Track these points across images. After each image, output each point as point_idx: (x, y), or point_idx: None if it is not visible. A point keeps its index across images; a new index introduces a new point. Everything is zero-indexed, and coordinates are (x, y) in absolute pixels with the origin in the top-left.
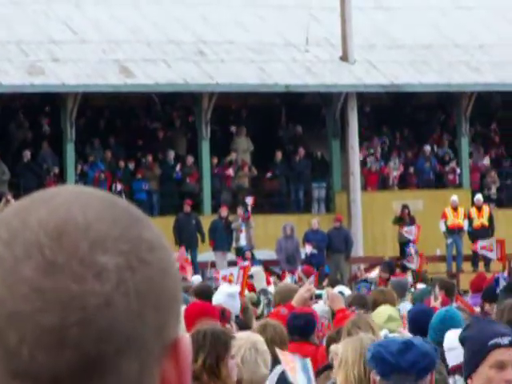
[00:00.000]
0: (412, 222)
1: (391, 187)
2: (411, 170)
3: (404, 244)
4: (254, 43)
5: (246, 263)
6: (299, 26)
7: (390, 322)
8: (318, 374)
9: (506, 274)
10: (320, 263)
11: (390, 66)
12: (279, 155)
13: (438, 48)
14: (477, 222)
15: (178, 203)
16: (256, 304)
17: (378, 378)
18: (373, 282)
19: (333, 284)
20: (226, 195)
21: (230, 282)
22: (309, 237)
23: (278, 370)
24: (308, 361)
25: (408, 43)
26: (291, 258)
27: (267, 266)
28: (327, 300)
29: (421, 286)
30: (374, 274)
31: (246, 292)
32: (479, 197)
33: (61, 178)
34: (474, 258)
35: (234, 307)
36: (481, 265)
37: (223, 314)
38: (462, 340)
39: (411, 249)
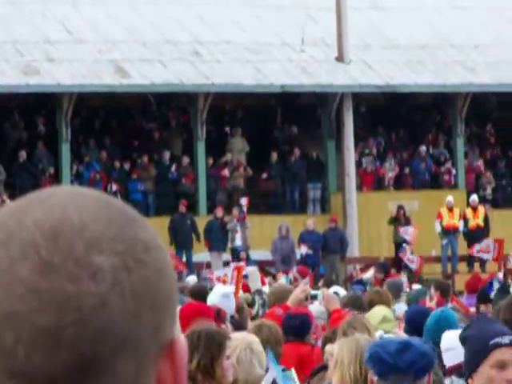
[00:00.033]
0: (407, 222)
1: (387, 188)
2: (407, 170)
3: (399, 244)
4: (249, 43)
5: (241, 263)
6: (295, 26)
7: (384, 323)
8: (313, 374)
9: (500, 275)
10: (315, 264)
11: (386, 66)
12: (275, 156)
13: (433, 48)
14: (472, 223)
15: (173, 204)
16: (251, 304)
17: (375, 378)
18: (368, 282)
19: (328, 284)
20: (222, 196)
21: (224, 282)
22: (304, 237)
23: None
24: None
25: (403, 43)
26: (286, 258)
27: (262, 266)
28: (323, 300)
29: (416, 286)
30: (368, 274)
31: (241, 292)
32: (475, 197)
33: (56, 179)
34: (470, 259)
35: (229, 307)
36: (476, 265)
37: (218, 315)
38: (463, 340)
39: (406, 250)
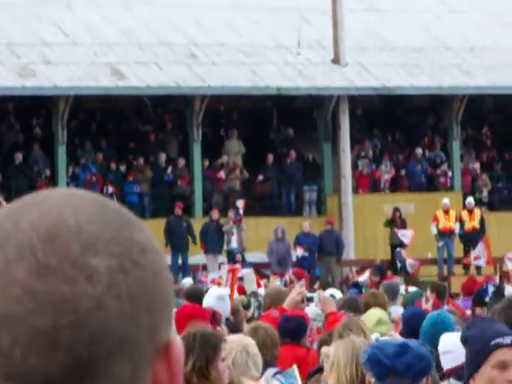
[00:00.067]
0: (403, 224)
1: (383, 190)
2: (403, 172)
3: (395, 247)
4: (245, 46)
5: (235, 265)
6: (291, 29)
7: (379, 326)
8: (309, 376)
9: (495, 278)
10: (311, 266)
11: (382, 68)
12: (271, 158)
13: (429, 51)
14: (468, 225)
15: (169, 206)
16: (246, 307)
17: (373, 380)
18: (363, 285)
19: (324, 287)
20: (218, 198)
21: (219, 284)
22: (300, 239)
23: (269, 372)
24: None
25: (400, 46)
26: (282, 260)
27: (258, 268)
28: (319, 303)
29: (412, 288)
30: (363, 277)
31: (237, 295)
32: (471, 200)
33: (52, 181)
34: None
35: (224, 309)
36: (472, 268)
37: (214, 317)
38: (464, 340)
39: (402, 253)
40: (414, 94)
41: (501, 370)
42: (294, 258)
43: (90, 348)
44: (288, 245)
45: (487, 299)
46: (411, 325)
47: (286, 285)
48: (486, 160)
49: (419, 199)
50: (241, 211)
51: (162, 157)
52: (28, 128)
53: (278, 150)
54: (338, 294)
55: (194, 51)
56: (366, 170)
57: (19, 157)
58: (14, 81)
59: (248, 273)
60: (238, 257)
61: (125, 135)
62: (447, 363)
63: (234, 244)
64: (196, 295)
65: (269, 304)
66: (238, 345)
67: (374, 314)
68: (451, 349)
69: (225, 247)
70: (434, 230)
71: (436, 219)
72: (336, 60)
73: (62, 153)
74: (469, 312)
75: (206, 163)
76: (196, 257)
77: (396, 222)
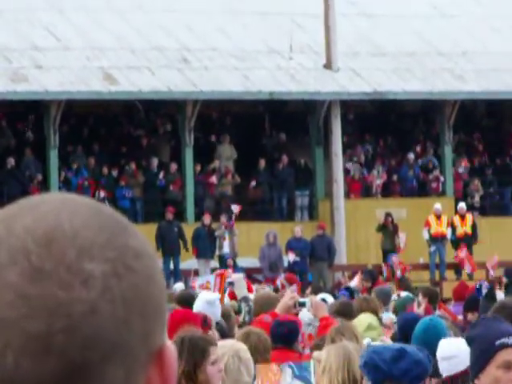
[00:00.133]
0: (395, 230)
1: (374, 195)
2: (394, 177)
3: (387, 252)
4: (237, 50)
5: (227, 270)
6: (283, 34)
7: (369, 331)
8: None
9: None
10: (303, 271)
11: (374, 73)
12: (262, 163)
13: (421, 55)
14: (460, 231)
15: (161, 210)
16: (237, 312)
17: None
18: (355, 290)
19: (316, 292)
20: (210, 203)
21: (207, 289)
22: (292, 244)
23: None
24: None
25: (391, 51)
26: (274, 265)
27: (250, 273)
28: (311, 308)
29: (404, 293)
30: (354, 282)
31: (228, 300)
32: (462, 205)
33: (44, 185)
34: (458, 266)
35: (214, 314)
36: (464, 273)
37: (205, 321)
38: (469, 340)
39: (393, 260)
40: (406, 98)
41: (506, 370)
42: (285, 263)
43: (84, 353)
44: (280, 250)
45: (480, 301)
46: (406, 330)
47: (277, 290)
48: (477, 165)
49: (411, 204)
50: (234, 217)
51: (154, 161)
52: (20, 133)
53: (270, 154)
54: (330, 299)
55: (186, 56)
56: (358, 174)
57: (11, 161)
58: (6, 85)
59: (238, 278)
60: (230, 262)
61: (117, 140)
62: (446, 369)
63: (226, 249)
64: (187, 300)
65: (259, 309)
66: (230, 350)
67: (364, 319)
68: (451, 354)
69: (217, 252)
70: (426, 235)
71: (428, 224)
72: (328, 65)
73: (53, 157)
74: (460, 317)
75: (198, 168)
76: (188, 262)
77: (388, 227)
